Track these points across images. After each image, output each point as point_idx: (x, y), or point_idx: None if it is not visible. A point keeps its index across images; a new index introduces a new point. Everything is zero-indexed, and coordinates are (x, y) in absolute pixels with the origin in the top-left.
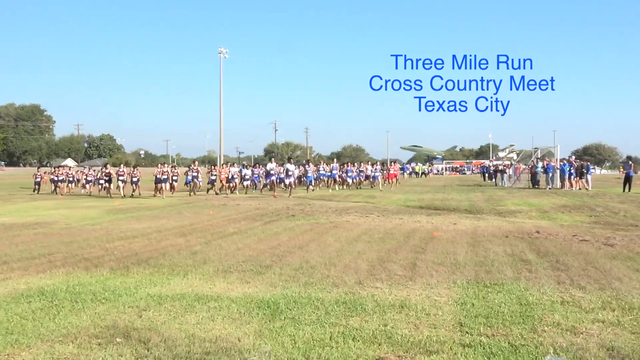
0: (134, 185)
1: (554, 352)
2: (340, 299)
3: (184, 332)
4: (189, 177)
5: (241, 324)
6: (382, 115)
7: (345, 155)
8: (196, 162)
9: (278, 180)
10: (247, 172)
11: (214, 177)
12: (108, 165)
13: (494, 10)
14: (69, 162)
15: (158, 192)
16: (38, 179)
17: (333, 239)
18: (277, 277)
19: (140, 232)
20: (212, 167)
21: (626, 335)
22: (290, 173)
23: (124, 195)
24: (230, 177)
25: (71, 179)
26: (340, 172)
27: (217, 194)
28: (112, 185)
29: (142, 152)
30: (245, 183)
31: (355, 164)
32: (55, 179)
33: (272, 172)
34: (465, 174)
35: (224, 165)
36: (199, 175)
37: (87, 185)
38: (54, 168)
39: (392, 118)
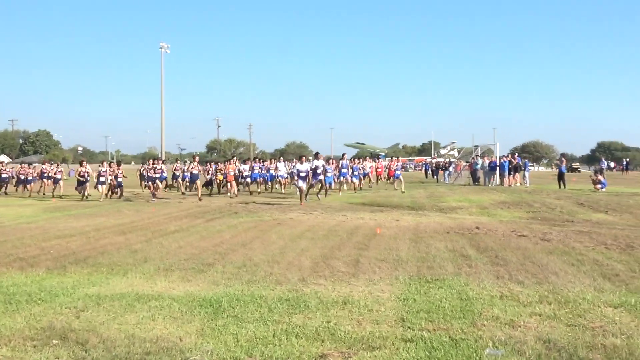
0: (119, 188)
1: (493, 346)
2: (284, 296)
3: (123, 332)
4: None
5: (183, 323)
6: (326, 112)
7: (289, 153)
8: (196, 158)
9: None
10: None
11: (210, 176)
12: (84, 162)
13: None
14: (3, 158)
15: (110, 194)
16: None
17: (276, 237)
18: (220, 275)
19: (78, 230)
20: (209, 163)
21: (562, 328)
22: (319, 171)
23: (105, 197)
24: (240, 175)
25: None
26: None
27: (183, 193)
28: (87, 185)
29: (80, 148)
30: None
31: (359, 160)
32: None
33: (302, 173)
34: (407, 170)
35: (230, 161)
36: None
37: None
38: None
39: (336, 115)
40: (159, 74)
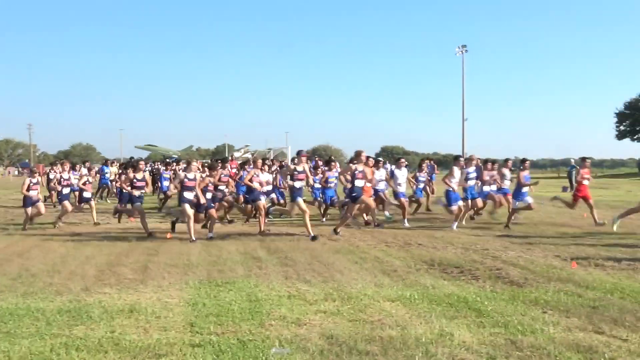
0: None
1: (279, 345)
2: (64, 307)
3: None
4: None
5: None
6: (114, 112)
7: (75, 155)
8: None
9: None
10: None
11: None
12: (88, 163)
13: None
14: None
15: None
16: None
17: (58, 244)
18: None
19: None
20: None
21: (345, 324)
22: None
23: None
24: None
25: None
26: None
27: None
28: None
29: None
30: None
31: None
32: None
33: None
34: None
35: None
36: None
37: None
38: None
39: (125, 116)
40: None
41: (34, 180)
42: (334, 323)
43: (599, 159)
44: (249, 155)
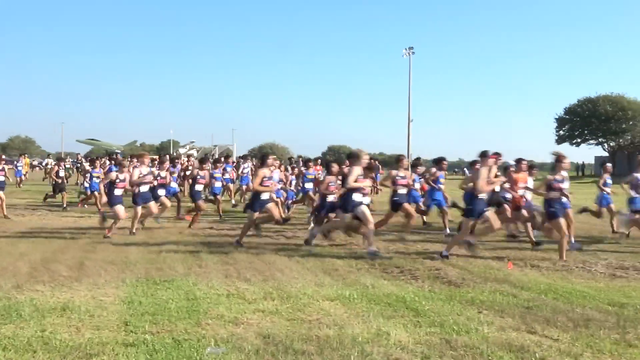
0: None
1: (214, 344)
2: None
3: None
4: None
5: None
6: (55, 105)
7: (13, 147)
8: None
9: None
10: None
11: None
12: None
13: None
14: None
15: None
16: None
17: None
18: None
19: None
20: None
21: (282, 322)
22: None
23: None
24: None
25: None
26: None
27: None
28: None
29: None
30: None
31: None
32: None
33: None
34: None
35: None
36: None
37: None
38: None
39: (66, 109)
40: None
41: (121, 177)
42: (271, 322)
43: (540, 162)
44: (194, 152)
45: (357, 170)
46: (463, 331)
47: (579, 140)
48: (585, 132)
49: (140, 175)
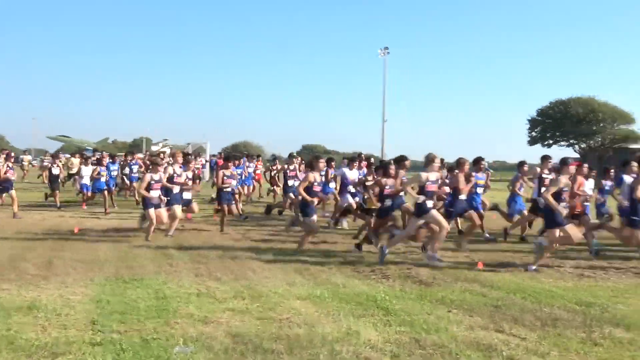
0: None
1: (183, 343)
2: None
3: None
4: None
5: None
6: (26, 100)
7: None
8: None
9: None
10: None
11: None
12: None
13: None
14: None
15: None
16: None
17: None
18: None
19: None
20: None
21: (252, 321)
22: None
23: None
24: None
25: None
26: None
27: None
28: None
29: None
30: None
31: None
32: None
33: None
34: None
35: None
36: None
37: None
38: None
39: (37, 104)
40: None
41: (156, 177)
42: (241, 321)
43: (512, 163)
44: (167, 150)
45: (433, 176)
46: (432, 330)
47: (550, 141)
48: (557, 133)
49: (176, 175)
